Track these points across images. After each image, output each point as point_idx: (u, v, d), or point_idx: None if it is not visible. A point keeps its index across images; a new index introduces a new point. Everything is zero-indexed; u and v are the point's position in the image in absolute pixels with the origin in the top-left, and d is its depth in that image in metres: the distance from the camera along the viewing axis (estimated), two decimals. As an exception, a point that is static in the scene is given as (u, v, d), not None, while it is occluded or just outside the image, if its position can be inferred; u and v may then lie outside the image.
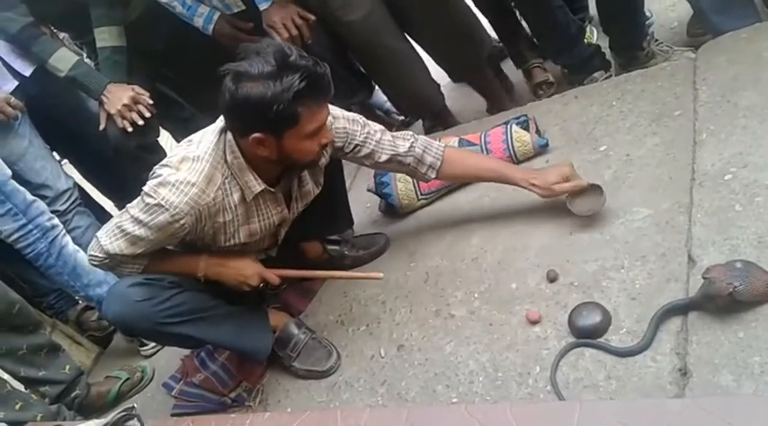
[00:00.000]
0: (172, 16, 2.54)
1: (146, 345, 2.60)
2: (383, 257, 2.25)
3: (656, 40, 2.51)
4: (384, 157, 1.96)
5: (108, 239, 1.76)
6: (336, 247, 2.28)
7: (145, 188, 1.70)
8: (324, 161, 1.90)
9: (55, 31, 2.88)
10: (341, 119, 1.90)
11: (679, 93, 2.07)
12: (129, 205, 1.74)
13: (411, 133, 2.01)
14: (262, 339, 2.02)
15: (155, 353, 2.59)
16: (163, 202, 1.65)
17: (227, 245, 1.87)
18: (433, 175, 2.00)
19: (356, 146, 1.93)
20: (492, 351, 1.70)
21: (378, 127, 1.97)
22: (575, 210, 1.84)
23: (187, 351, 2.27)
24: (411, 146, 1.96)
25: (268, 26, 2.30)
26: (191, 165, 1.69)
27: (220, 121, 1.75)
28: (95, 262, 1.81)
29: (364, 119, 1.96)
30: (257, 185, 1.77)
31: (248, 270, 1.90)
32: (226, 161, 1.73)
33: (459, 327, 1.82)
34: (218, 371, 2.14)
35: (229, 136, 1.72)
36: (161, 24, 2.61)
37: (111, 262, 1.80)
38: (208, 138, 1.73)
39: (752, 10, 2.17)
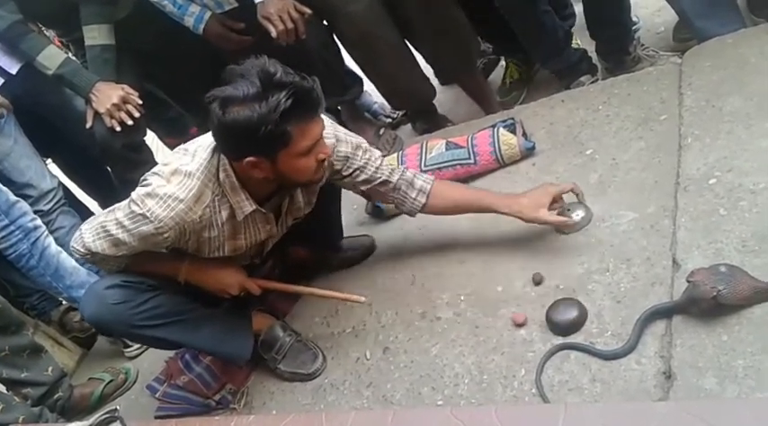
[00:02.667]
0: (162, 15, 2.52)
1: (129, 346, 2.58)
2: (369, 259, 2.24)
3: (643, 45, 2.52)
4: (379, 181, 1.90)
5: (91, 236, 1.74)
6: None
7: (133, 195, 1.67)
8: (321, 177, 1.78)
9: (42, 28, 2.86)
10: (344, 144, 1.85)
11: (665, 98, 2.08)
12: (116, 206, 1.72)
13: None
14: (242, 343, 2.00)
15: (139, 355, 2.56)
16: (148, 214, 1.63)
17: (212, 256, 1.85)
18: (423, 200, 1.92)
19: (356, 170, 1.88)
20: (477, 354, 1.70)
21: (377, 153, 1.94)
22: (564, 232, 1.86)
23: (171, 353, 2.25)
24: (403, 171, 1.93)
25: (263, 18, 2.27)
26: (181, 180, 1.65)
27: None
28: (77, 255, 1.80)
29: (366, 143, 1.91)
30: (249, 206, 1.74)
31: (229, 279, 1.89)
32: (218, 179, 1.69)
33: (445, 329, 1.82)
34: (202, 373, 2.12)
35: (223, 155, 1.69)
36: (150, 23, 2.59)
37: (93, 258, 1.79)
38: (201, 155, 1.69)
39: (736, 15, 2.19)
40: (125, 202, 1.70)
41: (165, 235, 1.67)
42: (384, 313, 1.99)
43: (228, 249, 1.84)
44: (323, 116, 1.66)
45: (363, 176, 1.89)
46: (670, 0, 2.21)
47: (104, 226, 1.71)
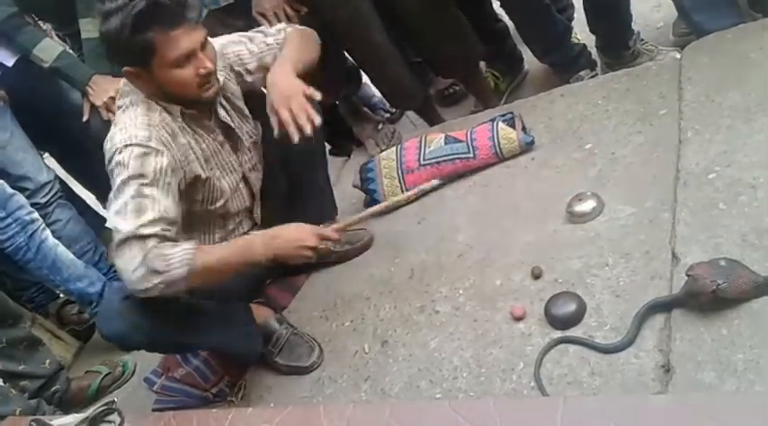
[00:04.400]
0: None
1: (127, 340, 2.57)
2: (368, 253, 2.24)
3: (642, 40, 2.52)
4: (275, 51, 1.96)
5: (126, 228, 1.57)
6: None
7: (110, 167, 1.68)
8: (213, 92, 1.76)
9: (38, 21, 2.84)
10: (229, 45, 1.93)
11: (664, 93, 2.08)
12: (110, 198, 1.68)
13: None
14: (251, 340, 1.99)
15: (136, 348, 2.56)
16: (130, 148, 1.64)
17: (218, 207, 1.89)
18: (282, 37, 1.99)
19: (261, 58, 1.95)
20: (476, 347, 1.70)
21: (266, 30, 2.02)
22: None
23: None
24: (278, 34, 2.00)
25: (258, 14, 2.28)
26: (123, 115, 1.72)
27: None
28: (148, 287, 1.57)
29: (246, 34, 1.99)
30: (176, 110, 1.76)
31: (304, 233, 1.81)
32: (145, 99, 1.74)
33: (444, 323, 1.82)
34: (200, 366, 2.12)
35: None
36: None
37: (152, 260, 1.57)
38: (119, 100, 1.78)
39: (734, 10, 2.18)
40: (113, 190, 1.66)
41: (161, 153, 1.67)
42: (383, 307, 1.99)
43: (224, 189, 1.89)
44: (200, 31, 1.68)
45: (269, 58, 1.94)
46: (669, -7, 2.20)
47: (118, 211, 1.62)
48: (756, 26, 2.08)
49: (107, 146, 1.70)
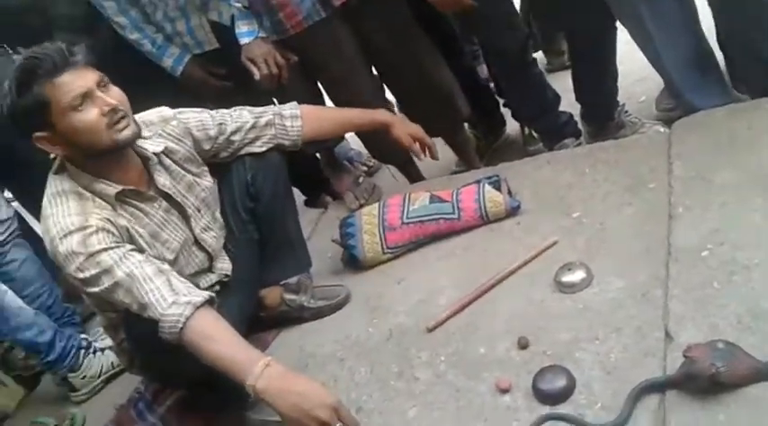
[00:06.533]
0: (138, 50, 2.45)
1: (77, 390, 2.42)
2: (343, 311, 2.15)
3: (627, 112, 2.54)
4: (250, 124, 2.00)
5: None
6: (294, 297, 2.17)
7: (58, 262, 1.65)
8: (130, 132, 1.69)
9: (10, 51, 2.75)
10: (186, 113, 1.95)
11: (654, 166, 2.07)
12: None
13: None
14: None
15: (87, 399, 2.42)
16: (71, 231, 1.61)
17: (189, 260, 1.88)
18: (299, 123, 2.05)
19: (220, 125, 1.96)
20: (459, 419, 1.61)
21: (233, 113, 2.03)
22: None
23: (122, 399, 2.12)
24: (264, 109, 2.06)
25: (247, 59, 2.24)
26: (55, 212, 1.66)
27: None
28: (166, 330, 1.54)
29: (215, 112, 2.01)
30: (110, 188, 1.71)
31: (323, 400, 1.45)
32: (71, 180, 1.70)
33: (424, 391, 1.73)
34: (156, 424, 2.00)
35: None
36: (126, 56, 2.51)
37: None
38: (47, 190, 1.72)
39: (725, 90, 2.21)
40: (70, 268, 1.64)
41: (107, 232, 1.63)
42: (357, 370, 1.89)
43: (173, 258, 1.83)
44: (95, 72, 1.64)
45: (231, 128, 1.98)
46: (660, 70, 2.22)
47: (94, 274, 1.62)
48: (746, 106, 2.11)
49: (45, 239, 1.67)
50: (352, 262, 2.30)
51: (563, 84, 2.69)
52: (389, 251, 2.23)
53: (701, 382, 1.37)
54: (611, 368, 1.56)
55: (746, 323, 1.48)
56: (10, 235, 2.49)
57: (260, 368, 1.46)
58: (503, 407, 1.59)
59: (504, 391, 1.62)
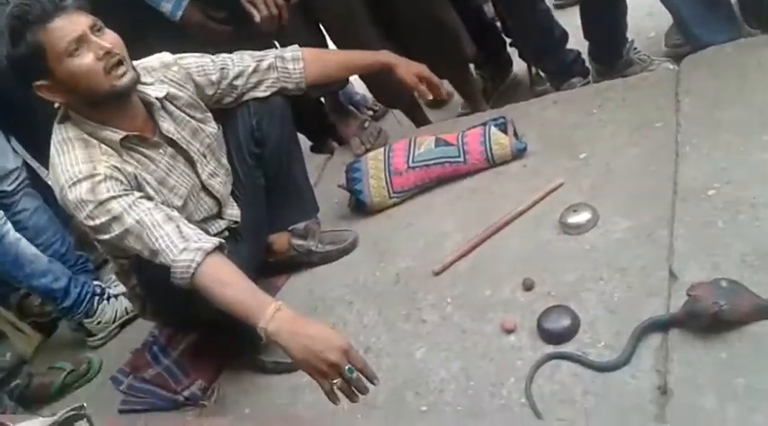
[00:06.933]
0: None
1: (93, 335, 2.47)
2: (351, 255, 2.17)
3: (635, 49, 2.49)
4: (252, 68, 1.99)
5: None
6: (302, 242, 2.18)
7: (69, 211, 1.68)
8: (128, 79, 1.68)
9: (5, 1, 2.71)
10: (187, 58, 1.93)
11: (661, 105, 2.04)
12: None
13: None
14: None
15: (102, 344, 2.46)
16: (80, 179, 1.62)
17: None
18: (301, 65, 2.03)
19: (222, 69, 1.95)
20: (464, 359, 1.64)
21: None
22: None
23: (138, 343, 2.16)
24: (266, 53, 2.04)
25: (247, 1, 2.20)
26: (62, 154, 1.67)
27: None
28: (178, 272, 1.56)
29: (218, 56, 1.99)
30: (113, 134, 1.71)
31: (333, 342, 1.42)
32: (82, 135, 1.70)
33: (431, 333, 1.76)
34: (170, 366, 2.03)
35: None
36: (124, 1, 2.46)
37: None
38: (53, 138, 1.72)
39: (735, 25, 2.16)
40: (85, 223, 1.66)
41: (115, 180, 1.64)
42: (366, 313, 1.92)
43: (181, 204, 1.84)
44: (87, 17, 1.63)
45: (233, 73, 1.97)
46: (668, 5, 2.16)
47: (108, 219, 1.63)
48: (756, 41, 2.07)
49: (55, 188, 1.69)
50: (359, 207, 2.30)
51: (572, 20, 2.63)
52: (396, 195, 2.23)
53: (704, 320, 1.38)
54: (616, 307, 1.57)
55: (750, 262, 1.48)
56: (20, 184, 2.50)
57: (271, 311, 1.46)
58: (508, 347, 1.62)
59: (510, 331, 1.65)
